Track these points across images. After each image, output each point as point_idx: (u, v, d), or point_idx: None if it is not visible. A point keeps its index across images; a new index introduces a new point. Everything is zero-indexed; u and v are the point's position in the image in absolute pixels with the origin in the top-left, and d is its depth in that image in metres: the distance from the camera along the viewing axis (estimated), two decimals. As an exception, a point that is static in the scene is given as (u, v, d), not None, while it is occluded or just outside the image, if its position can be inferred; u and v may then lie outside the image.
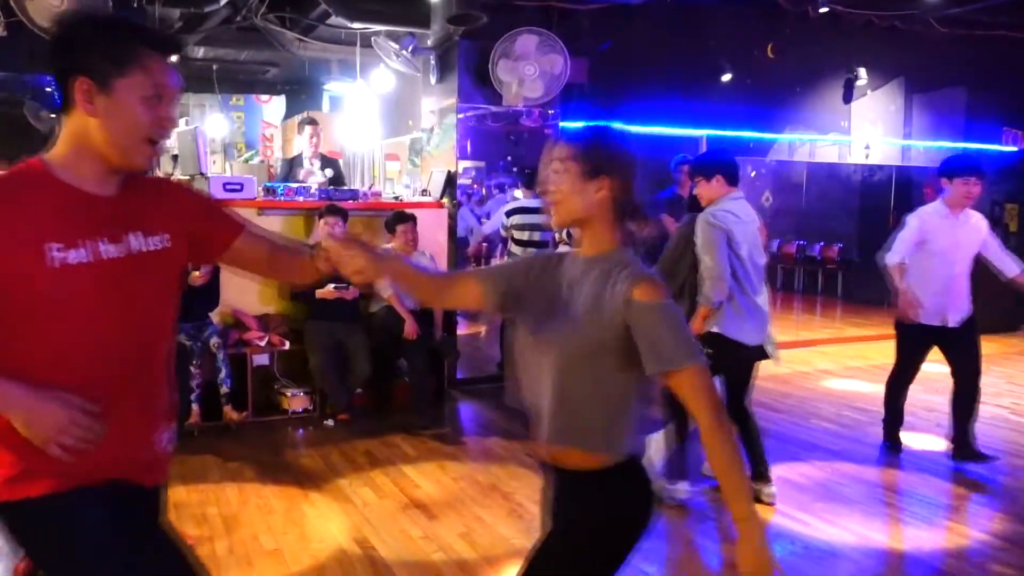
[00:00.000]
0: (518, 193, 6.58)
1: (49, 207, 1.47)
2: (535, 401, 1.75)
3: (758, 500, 3.88)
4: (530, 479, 4.36)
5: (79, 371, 1.50)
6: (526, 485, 4.27)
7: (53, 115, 5.90)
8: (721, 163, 3.90)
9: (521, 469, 4.52)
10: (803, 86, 7.99)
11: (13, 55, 4.95)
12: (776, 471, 4.46)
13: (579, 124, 6.76)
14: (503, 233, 6.56)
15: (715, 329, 3.75)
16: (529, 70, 5.98)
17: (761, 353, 3.92)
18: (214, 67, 10.10)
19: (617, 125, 6.50)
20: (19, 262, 1.42)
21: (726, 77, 7.43)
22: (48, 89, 6.14)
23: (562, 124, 6.69)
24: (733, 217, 3.75)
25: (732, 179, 3.87)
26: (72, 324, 1.49)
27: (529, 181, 6.39)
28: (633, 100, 6.99)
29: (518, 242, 6.33)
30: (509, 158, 6.49)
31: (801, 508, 3.97)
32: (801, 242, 10.71)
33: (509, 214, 6.38)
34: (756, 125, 7.65)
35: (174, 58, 1.62)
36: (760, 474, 3.97)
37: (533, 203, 6.36)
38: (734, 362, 3.84)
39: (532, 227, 6.29)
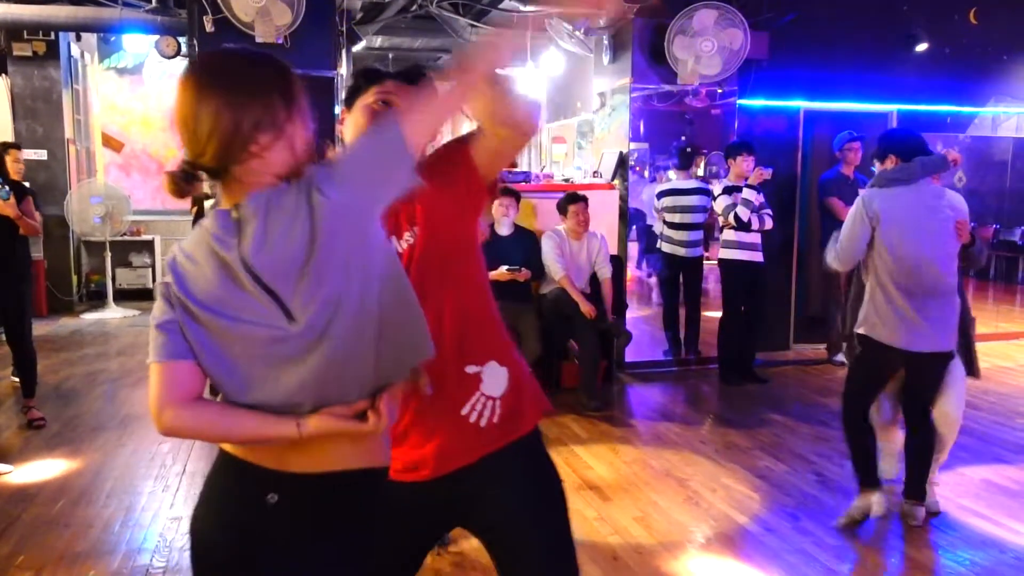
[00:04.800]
0: (671, 174, 6.37)
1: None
2: None
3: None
4: (705, 467, 4.25)
5: None
6: (701, 472, 4.17)
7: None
8: (896, 140, 3.45)
9: (695, 456, 4.41)
10: (1012, 53, 7.24)
11: (219, 49, 5.33)
12: (979, 473, 4.13)
13: (758, 102, 6.54)
14: (655, 215, 6.39)
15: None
16: (707, 46, 5.79)
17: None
18: (390, 55, 10.51)
19: (799, 102, 6.21)
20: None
21: (921, 47, 6.86)
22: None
23: (740, 102, 6.45)
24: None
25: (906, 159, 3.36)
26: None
27: (684, 162, 6.16)
28: (816, 75, 6.60)
29: (670, 224, 6.16)
30: (683, 138, 6.31)
31: (1011, 515, 3.63)
32: (996, 226, 9.80)
33: (660, 195, 6.21)
34: (955, 99, 7.02)
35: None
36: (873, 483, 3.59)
37: (686, 184, 6.14)
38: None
39: (684, 209, 6.09)
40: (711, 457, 4.41)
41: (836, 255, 3.47)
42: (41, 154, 8.62)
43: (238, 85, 1.32)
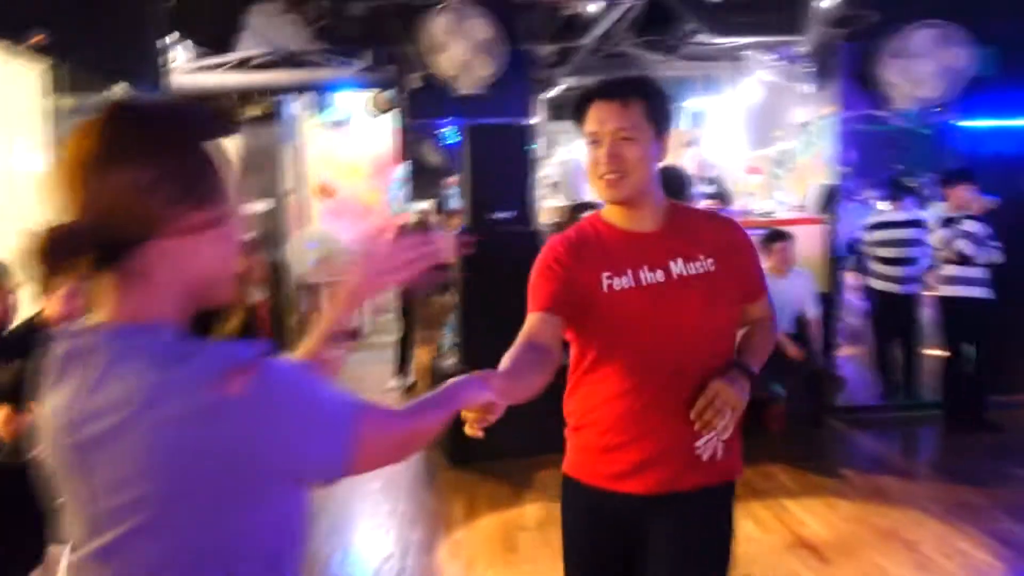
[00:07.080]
0: (882, 205, 5.93)
1: (603, 245, 1.80)
2: None
3: None
4: (935, 528, 3.87)
5: (627, 377, 1.75)
6: (931, 534, 3.80)
7: (442, 152, 6.79)
8: None
9: (922, 515, 4.03)
10: None
11: (426, 104, 5.66)
12: None
13: (982, 122, 5.97)
14: (862, 249, 5.94)
15: None
16: (925, 67, 5.37)
17: None
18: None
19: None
20: (587, 288, 1.75)
21: None
22: (441, 130, 7.02)
23: (959, 123, 5.93)
24: None
25: None
26: (621, 337, 1.74)
27: (896, 193, 5.73)
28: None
29: (883, 260, 5.72)
30: (898, 166, 5.87)
31: None
32: None
33: (870, 229, 5.80)
34: None
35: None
36: None
37: (899, 216, 5.69)
38: None
39: (897, 242, 5.64)
40: (941, 517, 4.01)
41: None
42: (269, 204, 9.50)
43: (176, 133, 0.97)
